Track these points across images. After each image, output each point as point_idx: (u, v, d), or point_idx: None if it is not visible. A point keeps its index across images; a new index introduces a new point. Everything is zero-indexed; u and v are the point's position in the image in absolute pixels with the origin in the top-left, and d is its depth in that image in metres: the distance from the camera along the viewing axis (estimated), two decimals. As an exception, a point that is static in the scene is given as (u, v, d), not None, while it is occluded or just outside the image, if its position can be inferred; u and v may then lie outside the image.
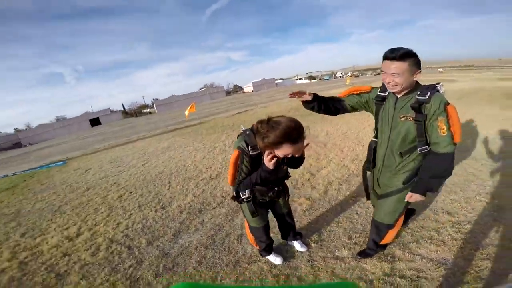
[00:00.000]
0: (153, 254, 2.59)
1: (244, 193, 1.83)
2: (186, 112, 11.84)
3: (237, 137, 1.68)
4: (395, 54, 1.44)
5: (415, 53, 1.47)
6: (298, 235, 2.36)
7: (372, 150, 1.89)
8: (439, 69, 47.87)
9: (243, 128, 1.68)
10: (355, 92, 1.88)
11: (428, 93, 1.49)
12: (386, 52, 1.49)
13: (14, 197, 5.56)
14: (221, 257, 2.40)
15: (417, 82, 1.57)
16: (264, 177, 1.55)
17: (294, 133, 1.36)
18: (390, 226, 1.89)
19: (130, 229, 3.17)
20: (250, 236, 2.23)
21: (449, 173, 1.54)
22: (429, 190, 1.61)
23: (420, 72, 1.52)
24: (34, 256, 2.91)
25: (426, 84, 1.59)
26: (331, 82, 46.88)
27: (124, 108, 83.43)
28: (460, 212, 2.57)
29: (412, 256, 2.09)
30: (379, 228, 1.94)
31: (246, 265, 2.26)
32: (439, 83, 1.58)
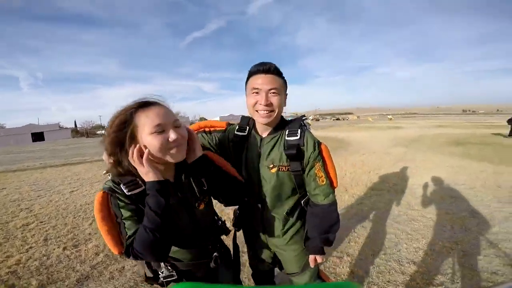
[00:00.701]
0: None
1: (160, 270, 1.04)
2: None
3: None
4: (269, 67, 1.12)
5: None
6: None
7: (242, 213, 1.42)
8: (388, 116, 53.14)
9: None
10: (206, 129, 1.37)
11: (299, 131, 1.18)
12: (254, 66, 1.15)
13: None
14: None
15: (281, 117, 1.26)
16: (152, 220, 0.84)
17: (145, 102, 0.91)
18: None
19: (21, 265, 2.52)
20: None
21: (337, 226, 1.25)
22: (327, 244, 1.25)
23: (287, 96, 1.23)
24: None
25: (287, 118, 1.30)
26: None
27: (75, 125, 77.39)
28: (427, 261, 2.44)
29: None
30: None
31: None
32: (303, 116, 1.30)
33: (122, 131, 0.86)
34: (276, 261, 1.48)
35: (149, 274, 1.07)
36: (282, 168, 1.19)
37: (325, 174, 1.20)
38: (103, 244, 3.00)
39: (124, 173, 0.91)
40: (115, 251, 0.92)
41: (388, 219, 3.43)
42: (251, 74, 1.16)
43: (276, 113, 1.15)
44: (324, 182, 1.20)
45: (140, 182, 0.90)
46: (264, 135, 1.23)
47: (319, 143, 1.20)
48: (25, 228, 3.49)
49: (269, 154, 1.20)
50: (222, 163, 1.14)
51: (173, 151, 0.90)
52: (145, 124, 0.86)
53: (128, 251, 0.86)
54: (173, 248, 1.02)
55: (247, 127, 1.28)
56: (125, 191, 0.87)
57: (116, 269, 2.51)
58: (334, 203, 1.23)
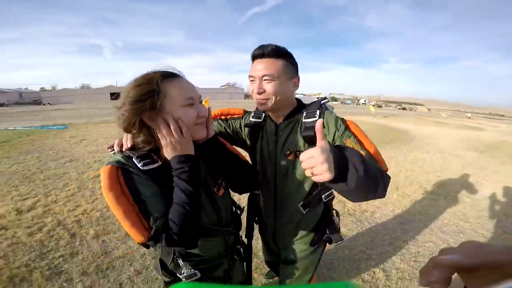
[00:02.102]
0: (93, 249, 2.33)
1: (181, 270, 0.90)
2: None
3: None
4: (265, 50, 1.00)
5: (288, 51, 1.04)
6: None
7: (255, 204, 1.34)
8: (467, 114, 46.58)
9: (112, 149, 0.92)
10: (222, 117, 1.30)
11: (317, 112, 1.04)
12: (253, 51, 1.04)
13: (-1, 153, 5.45)
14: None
15: (298, 100, 1.15)
16: (190, 195, 0.76)
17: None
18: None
19: (86, 215, 2.92)
20: None
21: (385, 179, 0.84)
22: (349, 171, 0.74)
23: (299, 79, 1.08)
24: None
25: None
26: (352, 108, 46.12)
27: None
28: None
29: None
30: None
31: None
32: (325, 98, 1.16)
33: (146, 102, 0.75)
34: (283, 253, 1.38)
35: (167, 279, 0.95)
36: (299, 154, 0.96)
37: (360, 147, 0.95)
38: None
39: (141, 147, 0.82)
40: (138, 238, 0.73)
41: (434, 227, 3.05)
42: (251, 59, 1.06)
43: (273, 101, 1.03)
44: (364, 154, 0.91)
45: (155, 158, 0.81)
46: (280, 121, 1.13)
47: (344, 120, 1.03)
48: (95, 180, 4.00)
49: (286, 140, 1.10)
50: (232, 148, 1.05)
51: (199, 126, 0.85)
52: (176, 95, 0.78)
53: (157, 236, 0.73)
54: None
55: (263, 114, 1.19)
56: (139, 165, 0.76)
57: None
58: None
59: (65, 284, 1.93)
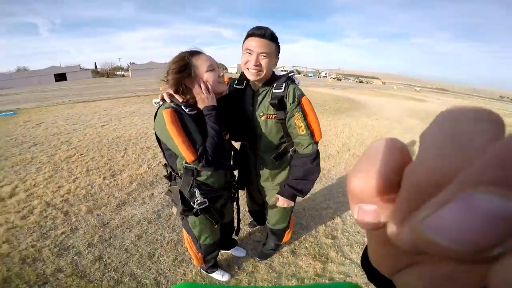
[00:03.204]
0: (91, 223, 2.46)
1: (194, 199, 1.30)
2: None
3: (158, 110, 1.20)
4: (264, 31, 1.25)
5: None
6: (234, 242, 2.10)
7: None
8: (416, 88, 50.55)
9: (156, 100, 1.25)
10: None
11: (284, 85, 1.33)
12: (251, 29, 1.28)
13: None
14: (164, 234, 2.34)
15: (273, 72, 1.41)
16: (218, 131, 1.16)
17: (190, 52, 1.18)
18: (286, 228, 1.92)
19: (71, 194, 2.97)
20: (195, 254, 1.67)
21: (315, 175, 1.42)
22: (298, 193, 1.44)
23: (278, 59, 1.37)
24: (-48, 213, 2.64)
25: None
26: (314, 80, 47.42)
27: (96, 67, 78.23)
28: None
29: (343, 259, 2.18)
30: (276, 233, 1.93)
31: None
32: (292, 72, 1.44)
33: (184, 72, 1.14)
34: (265, 202, 1.77)
35: (183, 208, 1.32)
36: (270, 116, 1.37)
37: (305, 125, 1.33)
38: (135, 174, 3.45)
39: (185, 101, 1.19)
40: (190, 157, 1.09)
41: None
42: (248, 35, 1.29)
43: (264, 73, 1.30)
44: (304, 132, 1.34)
45: (194, 107, 1.20)
46: (257, 88, 1.40)
47: (300, 96, 1.33)
48: (68, 161, 3.94)
49: (260, 103, 1.39)
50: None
51: (220, 84, 1.24)
52: (202, 64, 1.16)
53: (201, 156, 1.11)
54: (207, 173, 1.31)
55: (245, 81, 1.44)
56: (186, 110, 1.15)
57: (147, 196, 2.96)
58: (313, 154, 1.38)
59: (76, 258, 2.07)
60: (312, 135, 1.35)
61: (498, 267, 0.10)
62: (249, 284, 1.88)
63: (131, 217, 2.55)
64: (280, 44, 1.32)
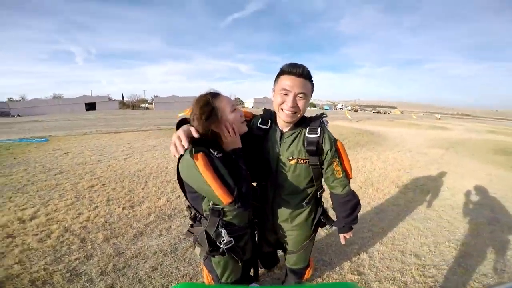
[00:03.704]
0: (106, 251, 2.41)
1: (220, 239, 1.26)
2: (180, 114, 11.75)
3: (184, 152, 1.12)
4: (301, 70, 1.18)
5: None
6: (252, 278, 1.88)
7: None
8: (436, 115, 49.47)
9: None
10: None
11: (319, 130, 1.29)
12: (287, 66, 1.21)
13: (-20, 168, 5.28)
14: (179, 268, 2.24)
15: None
16: (247, 174, 1.19)
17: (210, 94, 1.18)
18: (307, 266, 1.79)
19: (90, 221, 2.97)
20: None
21: (358, 207, 1.46)
22: (353, 224, 1.52)
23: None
24: (-25, 233, 2.69)
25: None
26: (330, 113, 47.85)
27: (123, 98, 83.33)
28: (427, 256, 2.61)
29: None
30: (296, 272, 1.78)
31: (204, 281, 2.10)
32: (323, 114, 1.40)
33: (213, 117, 1.13)
34: (280, 244, 1.68)
35: (209, 248, 1.25)
36: (300, 161, 1.32)
37: (341, 168, 1.35)
38: (154, 206, 3.43)
39: (211, 142, 1.17)
40: (227, 200, 1.06)
41: (406, 215, 3.53)
42: (283, 72, 1.23)
43: (299, 114, 1.27)
44: (341, 175, 1.36)
45: (220, 150, 1.18)
46: (285, 129, 1.34)
47: (335, 141, 1.32)
48: (91, 190, 4.03)
49: (289, 147, 1.33)
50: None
51: (243, 124, 1.25)
52: (226, 106, 1.17)
53: (237, 198, 1.08)
54: (233, 213, 1.27)
55: (269, 121, 1.39)
56: (214, 153, 1.13)
57: (164, 228, 2.90)
58: (350, 191, 1.41)
59: (87, 284, 2.01)
60: (347, 175, 1.38)
61: None
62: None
63: (147, 248, 2.48)
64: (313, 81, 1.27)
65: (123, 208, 3.35)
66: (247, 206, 1.16)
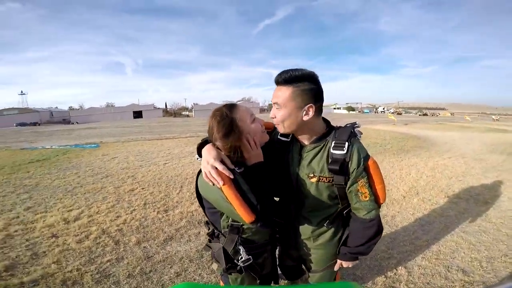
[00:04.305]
0: (136, 254, 2.51)
1: (239, 256, 1.18)
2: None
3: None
4: (279, 77, 1.06)
5: (311, 76, 1.05)
6: None
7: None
8: (493, 116, 44.45)
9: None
10: None
11: (346, 144, 1.09)
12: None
13: (41, 170, 5.97)
14: (202, 275, 2.24)
15: (327, 122, 1.20)
16: (269, 190, 1.12)
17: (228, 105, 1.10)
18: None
19: (126, 224, 3.14)
20: None
21: (377, 239, 1.22)
22: (360, 255, 1.29)
23: (313, 107, 1.07)
24: (24, 231, 2.99)
25: (339, 124, 1.18)
26: (371, 116, 45.61)
27: (166, 106, 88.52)
28: (477, 272, 2.28)
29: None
30: None
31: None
32: (355, 123, 1.18)
33: (233, 132, 1.03)
34: (303, 260, 1.51)
35: (226, 265, 1.18)
36: (323, 179, 1.15)
37: (370, 190, 1.15)
38: (186, 211, 3.51)
39: (235, 158, 1.08)
40: (249, 219, 0.98)
41: (456, 227, 3.09)
42: None
43: (282, 127, 1.12)
44: (368, 198, 1.15)
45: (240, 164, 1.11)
46: (306, 142, 1.19)
47: (366, 159, 1.12)
48: (131, 193, 4.29)
49: (310, 162, 1.17)
50: None
51: (264, 133, 1.15)
52: (245, 117, 1.08)
53: (259, 217, 1.01)
54: (252, 230, 1.18)
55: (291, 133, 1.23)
56: (236, 169, 1.05)
57: (193, 233, 2.94)
58: (375, 219, 1.18)
59: (113, 286, 2.10)
60: (376, 200, 1.17)
61: None
62: None
63: (175, 253, 2.54)
64: (313, 82, 1.07)
65: (158, 212, 3.49)
66: (269, 224, 1.10)
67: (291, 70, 1.05)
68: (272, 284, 1.71)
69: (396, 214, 3.48)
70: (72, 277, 2.20)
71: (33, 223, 3.18)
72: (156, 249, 2.62)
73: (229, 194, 0.98)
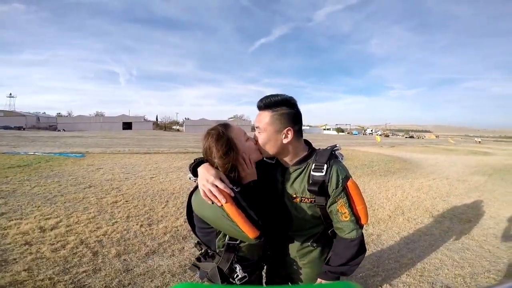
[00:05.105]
0: (115, 266, 2.39)
1: (235, 274, 1.16)
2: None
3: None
4: (260, 102, 1.14)
5: (288, 100, 1.13)
6: None
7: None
8: (476, 138, 46.05)
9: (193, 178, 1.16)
10: None
11: (325, 166, 1.13)
12: None
13: (20, 176, 5.75)
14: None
15: (309, 144, 1.26)
16: (266, 208, 1.14)
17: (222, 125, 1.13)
18: None
19: (107, 236, 3.01)
20: None
21: (359, 259, 1.20)
22: (342, 275, 1.25)
23: (291, 130, 1.13)
24: (-4, 237, 2.83)
25: (321, 147, 1.22)
26: (359, 138, 46.53)
27: (157, 119, 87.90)
28: None
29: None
30: None
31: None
32: (335, 146, 1.23)
33: (231, 151, 1.06)
34: (291, 279, 1.48)
35: (221, 284, 1.15)
36: (305, 200, 1.19)
37: (350, 211, 1.15)
38: (171, 226, 3.40)
39: (233, 177, 1.09)
40: (254, 234, 0.99)
41: (440, 245, 3.18)
42: None
43: (263, 150, 1.16)
44: (348, 218, 1.16)
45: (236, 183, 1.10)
46: (289, 164, 1.22)
47: (345, 180, 1.13)
48: (114, 205, 4.14)
49: (292, 184, 1.21)
50: None
51: (257, 150, 1.16)
52: (239, 135, 1.12)
53: (263, 232, 1.02)
54: (248, 247, 1.17)
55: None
56: (234, 188, 1.04)
57: (177, 248, 2.84)
58: (356, 239, 1.18)
59: (88, 297, 1.98)
60: (357, 221, 1.18)
61: None
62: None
63: (156, 267, 2.43)
64: (291, 106, 1.14)
65: (141, 226, 3.37)
66: (269, 240, 1.14)
67: (271, 96, 1.12)
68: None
69: (382, 233, 3.53)
70: (44, 285, 2.07)
71: (6, 230, 3.02)
72: (136, 262, 2.50)
73: (232, 211, 0.98)
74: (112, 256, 2.57)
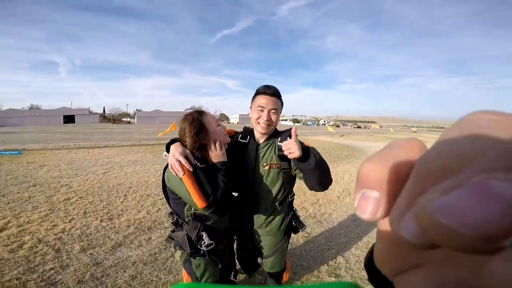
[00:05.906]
0: (83, 261, 2.34)
1: (201, 242, 1.35)
2: (165, 130, 11.61)
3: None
4: (273, 90, 1.43)
5: None
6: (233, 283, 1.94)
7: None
8: (413, 128, 51.41)
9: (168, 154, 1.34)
10: None
11: (288, 138, 1.33)
12: (262, 88, 1.46)
13: None
14: (159, 276, 2.21)
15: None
16: (227, 185, 1.30)
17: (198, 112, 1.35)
18: (283, 270, 1.84)
19: (66, 233, 2.87)
20: None
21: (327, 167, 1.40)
22: (311, 154, 1.31)
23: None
24: None
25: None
26: (313, 128, 49.01)
27: (104, 111, 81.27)
28: None
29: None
30: (274, 276, 1.84)
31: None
32: (291, 128, 1.46)
33: (202, 132, 1.28)
34: (257, 249, 1.78)
35: (190, 250, 1.34)
36: (273, 166, 1.48)
37: None
38: (133, 219, 3.35)
39: (199, 155, 1.30)
40: (201, 204, 1.20)
41: None
42: (258, 93, 1.47)
43: (273, 127, 1.47)
44: None
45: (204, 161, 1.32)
46: (261, 141, 1.53)
47: (303, 144, 1.38)
48: (67, 202, 3.89)
49: (264, 155, 1.50)
50: None
51: (226, 136, 1.41)
52: (212, 121, 1.34)
53: (211, 204, 1.21)
54: (214, 218, 1.38)
55: (248, 136, 1.57)
56: (198, 164, 1.27)
57: (144, 239, 2.84)
58: None
59: (64, 293, 1.94)
60: None
61: (501, 256, 0.09)
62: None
63: (126, 258, 2.43)
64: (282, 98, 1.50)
65: (101, 221, 3.26)
66: (220, 213, 1.28)
67: (274, 86, 1.45)
68: (231, 277, 1.81)
69: (333, 212, 3.99)
70: (13, 286, 1.98)
71: None
72: (104, 255, 2.47)
73: (187, 183, 1.20)
74: (76, 251, 2.49)
